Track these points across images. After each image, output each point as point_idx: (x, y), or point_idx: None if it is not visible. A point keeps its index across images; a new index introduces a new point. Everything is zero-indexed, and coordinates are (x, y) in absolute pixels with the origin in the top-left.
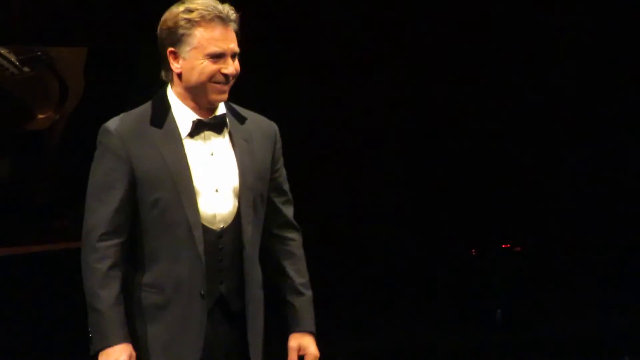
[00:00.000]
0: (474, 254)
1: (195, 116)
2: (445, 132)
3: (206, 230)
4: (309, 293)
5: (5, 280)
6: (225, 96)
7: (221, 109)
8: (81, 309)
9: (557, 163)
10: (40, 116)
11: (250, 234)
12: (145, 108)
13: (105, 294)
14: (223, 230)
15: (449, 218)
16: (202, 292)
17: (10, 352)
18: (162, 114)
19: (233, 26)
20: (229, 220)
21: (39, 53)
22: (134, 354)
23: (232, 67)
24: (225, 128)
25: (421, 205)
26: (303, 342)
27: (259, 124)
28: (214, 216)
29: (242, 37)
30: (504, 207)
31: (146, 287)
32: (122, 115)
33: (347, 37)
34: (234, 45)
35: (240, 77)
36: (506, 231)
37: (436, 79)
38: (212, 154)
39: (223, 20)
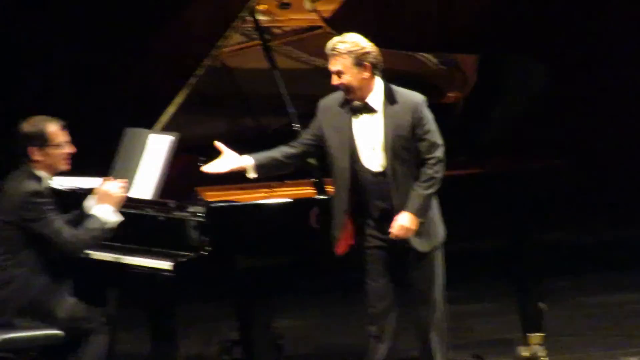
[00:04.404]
0: None
1: (357, 102)
2: None
3: (368, 171)
4: (421, 191)
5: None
6: (348, 95)
7: (374, 96)
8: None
9: None
10: (450, 95)
11: (392, 172)
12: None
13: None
14: (379, 172)
15: None
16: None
17: None
18: (347, 100)
19: (337, 56)
20: (384, 165)
21: (451, 58)
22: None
23: (335, 80)
24: (375, 109)
25: None
26: (401, 215)
27: (404, 100)
28: (369, 163)
29: None
30: None
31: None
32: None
33: None
34: (333, 67)
35: None
36: None
37: None
38: (368, 126)
39: (328, 51)
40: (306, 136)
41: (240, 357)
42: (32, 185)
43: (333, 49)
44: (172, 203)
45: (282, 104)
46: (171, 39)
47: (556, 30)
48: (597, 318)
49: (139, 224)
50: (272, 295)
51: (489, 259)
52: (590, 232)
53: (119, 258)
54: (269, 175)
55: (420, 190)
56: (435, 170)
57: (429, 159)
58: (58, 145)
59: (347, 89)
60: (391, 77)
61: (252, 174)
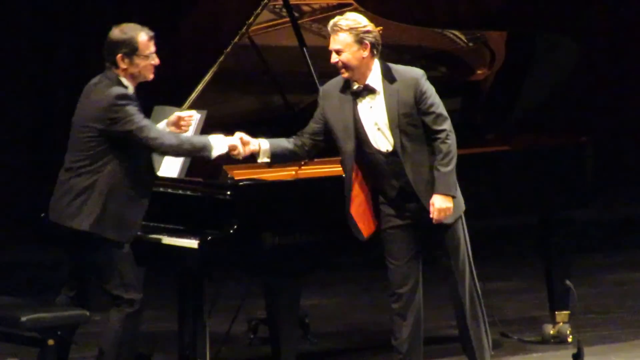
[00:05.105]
0: None
1: (356, 85)
2: None
3: (378, 152)
4: (443, 169)
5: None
6: (345, 74)
7: (373, 77)
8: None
9: None
10: (478, 72)
11: (402, 150)
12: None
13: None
14: (389, 152)
15: None
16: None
17: None
18: (348, 84)
19: (339, 32)
20: (393, 144)
21: (479, 35)
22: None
23: (334, 59)
24: (376, 90)
25: None
26: (434, 199)
27: (404, 77)
28: (378, 144)
29: None
30: None
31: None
32: (337, 78)
33: None
34: (333, 45)
35: None
36: None
37: None
38: (371, 107)
39: (330, 28)
40: (313, 125)
41: (267, 335)
42: (119, 89)
43: (334, 26)
44: (199, 181)
45: (311, 81)
46: (201, 17)
47: (587, 9)
48: (623, 295)
49: (166, 203)
50: (299, 273)
51: (516, 237)
52: (617, 209)
53: (149, 237)
54: (280, 162)
55: (442, 169)
56: (448, 145)
57: (438, 131)
58: (147, 57)
59: (345, 66)
60: (420, 55)
61: (264, 159)
